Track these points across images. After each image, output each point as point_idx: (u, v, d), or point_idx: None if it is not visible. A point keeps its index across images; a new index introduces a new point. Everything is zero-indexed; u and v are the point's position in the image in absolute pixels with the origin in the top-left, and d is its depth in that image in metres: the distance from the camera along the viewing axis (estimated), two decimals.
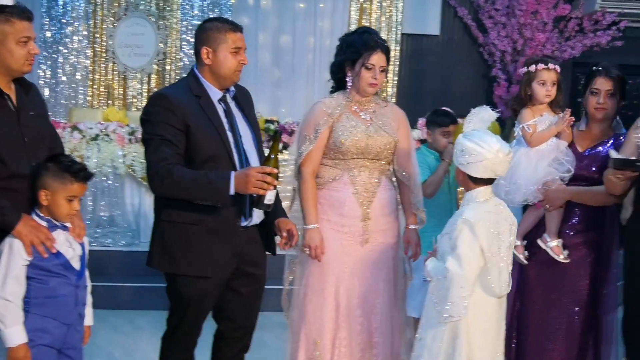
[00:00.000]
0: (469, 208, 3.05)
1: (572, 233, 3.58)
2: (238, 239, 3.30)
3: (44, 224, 2.85)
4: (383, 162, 3.80)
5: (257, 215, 3.37)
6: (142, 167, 6.62)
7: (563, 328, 3.55)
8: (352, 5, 8.90)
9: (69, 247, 2.93)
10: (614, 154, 3.23)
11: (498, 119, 9.52)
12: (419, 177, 3.93)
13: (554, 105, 3.93)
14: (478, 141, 2.99)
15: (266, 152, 3.31)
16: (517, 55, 8.76)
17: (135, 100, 8.41)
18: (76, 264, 2.96)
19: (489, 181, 3.06)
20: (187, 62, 8.55)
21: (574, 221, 3.59)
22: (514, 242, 3.28)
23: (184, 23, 8.58)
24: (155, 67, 8.50)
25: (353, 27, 8.71)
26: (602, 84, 3.73)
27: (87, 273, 3.06)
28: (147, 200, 7.09)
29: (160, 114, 3.18)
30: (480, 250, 2.93)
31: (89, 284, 3.08)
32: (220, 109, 3.34)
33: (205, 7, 8.65)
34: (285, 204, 3.75)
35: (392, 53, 8.89)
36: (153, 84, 8.52)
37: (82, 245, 3.01)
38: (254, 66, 8.61)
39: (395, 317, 3.84)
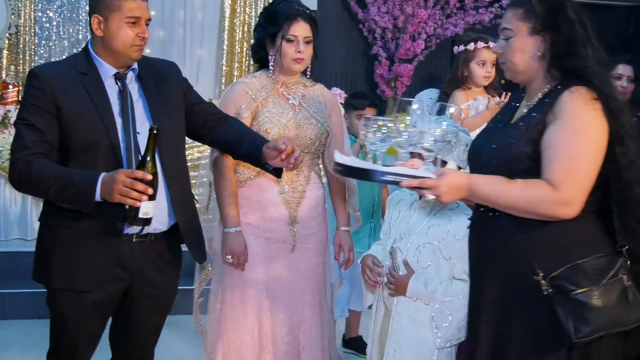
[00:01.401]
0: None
1: None
2: (126, 250, 2.87)
3: None
4: (313, 156, 3.52)
5: (159, 221, 2.88)
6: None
7: None
8: None
9: None
10: (338, 158, 2.72)
11: (379, 99, 9.50)
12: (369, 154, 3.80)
13: (490, 88, 3.80)
14: None
15: None
16: (398, 32, 8.63)
17: None
18: None
19: None
20: (44, 37, 8.14)
21: None
22: None
23: None
24: (6, 42, 8.00)
25: (229, 3, 8.52)
26: None
27: None
28: (8, 194, 6.61)
29: (29, 94, 2.84)
30: None
31: None
32: (112, 90, 2.92)
33: None
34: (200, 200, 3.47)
35: None
36: (5, 61, 8.04)
37: None
38: None
39: (324, 330, 3.59)
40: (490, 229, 2.50)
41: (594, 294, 2.29)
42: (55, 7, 8.19)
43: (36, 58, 8.14)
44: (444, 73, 9.71)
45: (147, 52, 8.33)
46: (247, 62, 8.43)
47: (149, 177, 2.61)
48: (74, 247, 2.83)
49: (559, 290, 2.31)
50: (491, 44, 3.88)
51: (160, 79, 3.08)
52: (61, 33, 8.34)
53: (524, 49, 2.46)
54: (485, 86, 4.02)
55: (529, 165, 2.38)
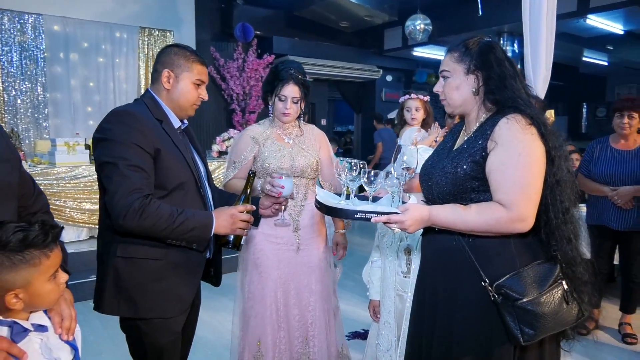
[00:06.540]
0: None
1: None
2: (200, 273, 2.80)
3: (4, 331, 1.71)
4: (307, 179, 3.58)
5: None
6: None
7: None
8: (140, 60, 10.24)
9: (49, 357, 1.79)
10: (319, 195, 2.47)
11: None
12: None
13: (424, 125, 4.51)
14: None
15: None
16: (246, 96, 11.08)
17: None
18: None
19: None
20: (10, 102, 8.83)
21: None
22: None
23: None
24: None
25: (143, 77, 10.30)
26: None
27: None
28: None
29: (126, 133, 2.45)
30: None
31: None
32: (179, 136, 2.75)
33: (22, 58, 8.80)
34: None
35: None
36: None
37: (72, 344, 1.89)
38: (68, 103, 9.25)
39: (328, 309, 3.67)
40: (440, 235, 2.36)
41: (538, 302, 2.14)
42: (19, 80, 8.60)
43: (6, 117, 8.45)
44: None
45: (89, 110, 9.49)
46: None
47: (254, 208, 2.69)
48: (164, 278, 2.62)
49: (505, 298, 2.16)
50: (413, 95, 4.36)
51: (191, 135, 2.97)
52: (24, 97, 8.62)
53: (460, 87, 2.35)
54: (422, 125, 4.43)
55: (473, 184, 2.25)
